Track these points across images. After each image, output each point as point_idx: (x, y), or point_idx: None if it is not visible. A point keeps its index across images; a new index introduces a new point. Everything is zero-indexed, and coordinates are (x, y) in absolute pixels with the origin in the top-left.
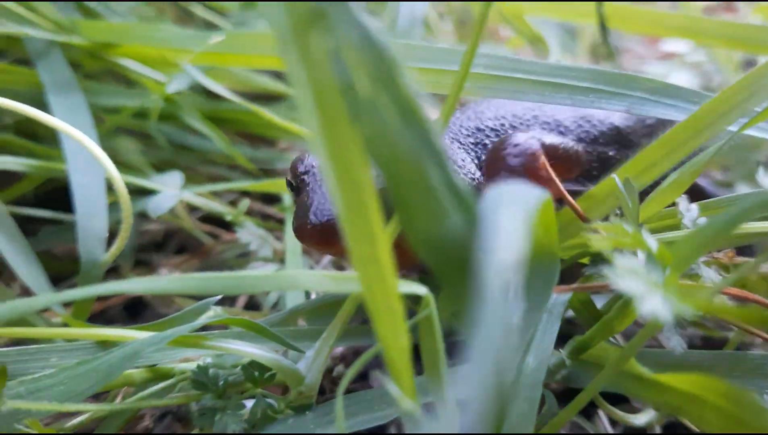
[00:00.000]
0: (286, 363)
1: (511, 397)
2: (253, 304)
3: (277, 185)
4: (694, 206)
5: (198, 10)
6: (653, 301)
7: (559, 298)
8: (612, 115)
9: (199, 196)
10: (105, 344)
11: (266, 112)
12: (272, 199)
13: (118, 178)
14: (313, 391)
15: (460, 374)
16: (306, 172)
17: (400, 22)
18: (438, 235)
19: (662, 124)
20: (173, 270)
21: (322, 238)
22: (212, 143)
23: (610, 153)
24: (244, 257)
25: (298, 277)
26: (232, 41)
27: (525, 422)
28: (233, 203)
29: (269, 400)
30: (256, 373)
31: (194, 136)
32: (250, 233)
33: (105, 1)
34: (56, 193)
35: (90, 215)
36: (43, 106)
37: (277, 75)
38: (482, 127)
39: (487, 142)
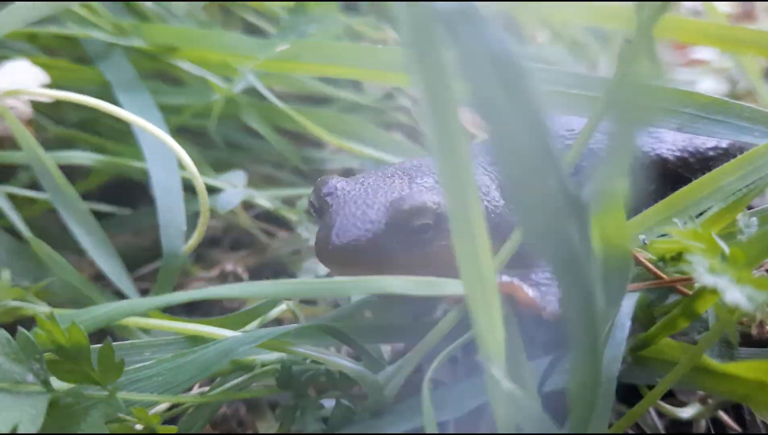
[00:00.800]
0: (369, 375)
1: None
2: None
3: None
4: (754, 220)
5: (247, 14)
6: (735, 292)
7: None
8: (657, 144)
9: (259, 195)
10: (195, 339)
11: (315, 126)
12: None
13: (196, 174)
14: (390, 399)
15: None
16: (329, 194)
17: None
18: (554, 237)
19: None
20: (236, 266)
21: (344, 260)
22: (260, 143)
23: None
24: (297, 254)
25: (390, 282)
26: (295, 49)
27: (602, 417)
28: (285, 201)
29: (347, 403)
30: (338, 376)
31: (243, 135)
32: (309, 230)
33: (161, 1)
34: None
35: (169, 208)
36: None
37: (330, 80)
38: None
39: None
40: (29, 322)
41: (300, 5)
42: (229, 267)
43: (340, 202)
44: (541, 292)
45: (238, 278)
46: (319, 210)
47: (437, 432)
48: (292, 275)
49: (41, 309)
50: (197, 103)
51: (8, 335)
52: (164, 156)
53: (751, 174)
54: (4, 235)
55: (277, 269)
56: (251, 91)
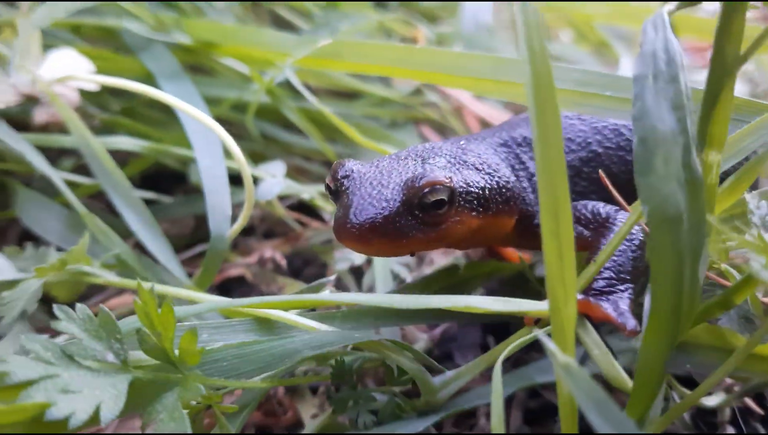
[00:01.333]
0: (429, 378)
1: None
2: (342, 286)
3: None
4: (765, 204)
5: (279, 9)
6: None
7: None
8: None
9: (295, 185)
10: (262, 323)
11: (344, 122)
12: None
13: (243, 162)
14: (442, 402)
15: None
16: (346, 176)
17: (465, 27)
18: (667, 198)
19: None
20: (274, 252)
21: (362, 237)
22: (290, 135)
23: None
24: (329, 244)
25: (474, 300)
26: (334, 47)
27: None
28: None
29: (399, 400)
30: (395, 373)
31: (273, 128)
32: None
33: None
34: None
35: (216, 194)
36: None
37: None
38: (515, 136)
39: (518, 151)
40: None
41: (333, 3)
42: (267, 253)
43: (356, 183)
44: (617, 307)
45: (276, 265)
46: (336, 192)
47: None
48: (323, 264)
49: (145, 284)
50: (233, 96)
51: (90, 312)
52: (210, 144)
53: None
54: (62, 210)
55: (309, 258)
56: (285, 86)
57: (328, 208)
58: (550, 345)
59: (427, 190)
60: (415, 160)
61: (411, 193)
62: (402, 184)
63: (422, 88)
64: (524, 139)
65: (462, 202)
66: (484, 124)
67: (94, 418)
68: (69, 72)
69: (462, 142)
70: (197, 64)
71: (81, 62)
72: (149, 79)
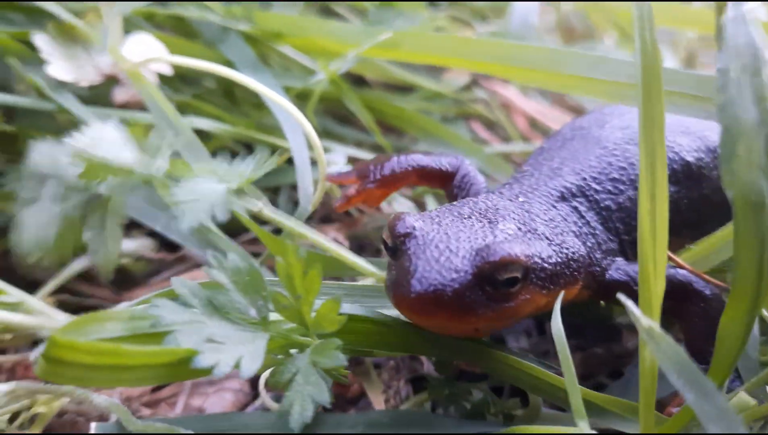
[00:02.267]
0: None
1: None
2: None
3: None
4: None
5: (338, 7)
6: None
7: None
8: (681, 150)
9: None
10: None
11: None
12: None
13: (319, 145)
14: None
15: None
16: (407, 235)
17: (513, 26)
18: (750, 184)
19: None
20: (337, 234)
21: (427, 308)
22: (344, 127)
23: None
24: (380, 230)
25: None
26: (396, 38)
27: None
28: None
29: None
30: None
31: (326, 119)
32: (402, 205)
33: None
34: None
35: (302, 171)
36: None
37: (414, 67)
38: (568, 186)
39: (576, 204)
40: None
41: (387, 2)
42: (331, 234)
43: (419, 244)
44: None
45: (339, 245)
46: (394, 250)
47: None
48: (378, 250)
49: (292, 246)
50: (299, 86)
51: (240, 262)
52: (295, 128)
53: None
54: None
55: (364, 243)
56: (343, 78)
57: None
58: (635, 310)
59: (501, 265)
60: (481, 222)
61: (484, 267)
62: (474, 253)
63: (472, 85)
64: (578, 189)
65: (534, 280)
66: (532, 123)
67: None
68: (149, 55)
69: (522, 200)
70: (260, 54)
71: (157, 47)
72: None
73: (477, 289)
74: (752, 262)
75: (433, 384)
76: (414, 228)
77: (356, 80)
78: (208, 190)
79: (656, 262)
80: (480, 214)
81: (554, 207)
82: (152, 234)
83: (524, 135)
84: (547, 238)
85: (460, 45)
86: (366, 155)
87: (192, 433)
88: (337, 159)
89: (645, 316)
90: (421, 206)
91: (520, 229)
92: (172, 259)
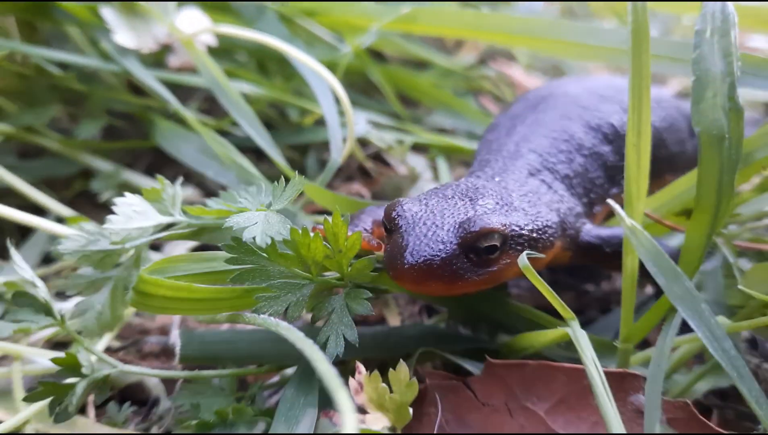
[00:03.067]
0: None
1: None
2: None
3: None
4: None
5: None
6: None
7: None
8: (612, 114)
9: (375, 132)
10: None
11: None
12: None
13: (349, 106)
14: None
15: None
16: (400, 216)
17: (520, 11)
18: (714, 122)
19: None
20: (360, 188)
21: (418, 279)
22: (364, 97)
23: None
24: (398, 190)
25: None
26: (414, 13)
27: None
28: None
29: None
30: None
31: (349, 90)
32: (416, 162)
33: None
34: None
35: (333, 129)
36: None
37: (428, 47)
38: (533, 164)
39: (544, 177)
40: None
41: None
42: (355, 188)
43: (409, 223)
44: None
45: (362, 198)
46: (389, 230)
47: None
48: None
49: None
50: (327, 58)
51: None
52: (325, 92)
53: None
54: (195, 136)
55: (380, 198)
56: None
57: (398, 157)
58: (621, 212)
59: (482, 235)
60: (463, 201)
61: (467, 237)
62: (457, 226)
63: (480, 63)
64: (540, 164)
65: (513, 245)
66: None
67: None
68: (199, 27)
69: (497, 179)
70: (291, 31)
71: (204, 20)
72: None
73: (462, 258)
74: (713, 183)
75: (453, 311)
76: (404, 209)
77: (376, 56)
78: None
79: (639, 184)
80: (462, 194)
81: (526, 182)
82: (201, 184)
83: None
84: (523, 210)
85: (474, 18)
86: (385, 121)
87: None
88: (360, 120)
89: (628, 217)
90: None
91: (497, 203)
92: None
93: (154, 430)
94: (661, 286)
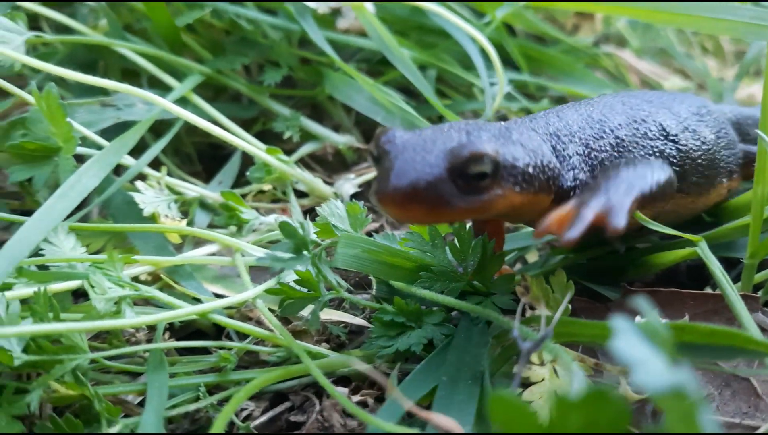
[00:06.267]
0: None
1: None
2: None
3: None
4: None
5: None
6: None
7: None
8: (657, 114)
9: None
10: None
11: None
12: None
13: (499, 64)
14: None
15: None
16: (388, 142)
17: None
18: None
19: None
20: None
21: (402, 202)
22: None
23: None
24: None
25: None
26: None
27: None
28: None
29: None
30: None
31: None
32: None
33: None
34: None
35: (486, 85)
36: None
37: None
38: (560, 126)
39: (563, 138)
40: None
41: None
42: None
43: (398, 148)
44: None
45: None
46: (378, 158)
47: None
48: None
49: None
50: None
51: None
52: (476, 53)
53: None
54: (361, 87)
55: None
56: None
57: None
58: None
59: (471, 159)
60: (459, 132)
61: (455, 161)
62: (446, 151)
63: (596, 45)
64: (561, 130)
65: (506, 176)
66: (643, 80)
67: None
68: None
69: (503, 124)
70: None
71: None
72: None
73: (450, 183)
74: None
75: None
76: (395, 136)
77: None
78: None
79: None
80: (459, 128)
81: (535, 131)
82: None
83: (638, 88)
84: (521, 145)
85: None
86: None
87: None
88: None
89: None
90: None
91: (494, 135)
92: None
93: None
94: None
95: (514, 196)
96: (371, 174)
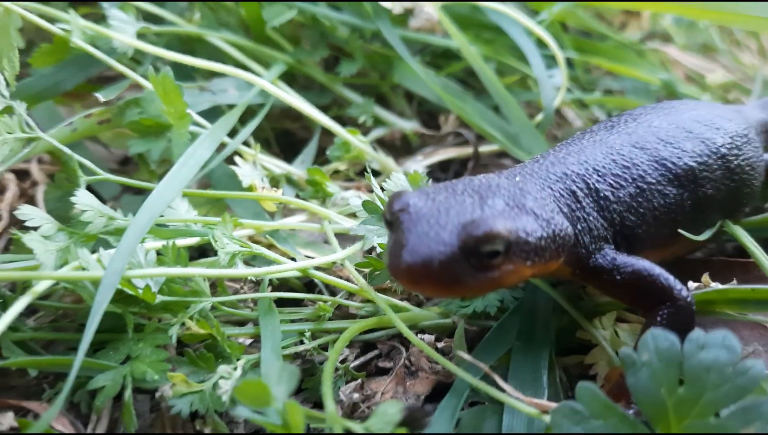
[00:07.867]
0: None
1: None
2: None
3: None
4: None
5: None
6: None
7: None
8: (684, 155)
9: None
10: None
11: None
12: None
13: (561, 58)
14: None
15: None
16: (402, 210)
17: None
18: None
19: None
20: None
21: (417, 277)
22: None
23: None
24: None
25: None
26: None
27: None
28: None
29: None
30: None
31: None
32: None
33: None
34: None
35: (543, 78)
36: None
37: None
38: (568, 172)
39: (574, 188)
40: None
41: None
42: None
43: (411, 219)
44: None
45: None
46: (391, 225)
47: None
48: None
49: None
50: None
51: None
52: (533, 49)
53: None
54: (428, 77)
55: None
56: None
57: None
58: None
59: (485, 239)
60: (472, 198)
61: (469, 240)
62: (460, 227)
63: (645, 39)
64: (579, 176)
65: (517, 252)
66: (688, 77)
67: None
68: None
69: (518, 179)
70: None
71: None
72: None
73: (462, 261)
74: None
75: None
76: (408, 204)
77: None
78: None
79: None
80: (473, 190)
81: (550, 188)
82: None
83: (683, 81)
84: (534, 214)
85: None
86: None
87: None
88: (556, 73)
89: None
90: None
91: (508, 204)
92: (438, 137)
93: None
94: None
95: (524, 269)
96: (437, 157)
